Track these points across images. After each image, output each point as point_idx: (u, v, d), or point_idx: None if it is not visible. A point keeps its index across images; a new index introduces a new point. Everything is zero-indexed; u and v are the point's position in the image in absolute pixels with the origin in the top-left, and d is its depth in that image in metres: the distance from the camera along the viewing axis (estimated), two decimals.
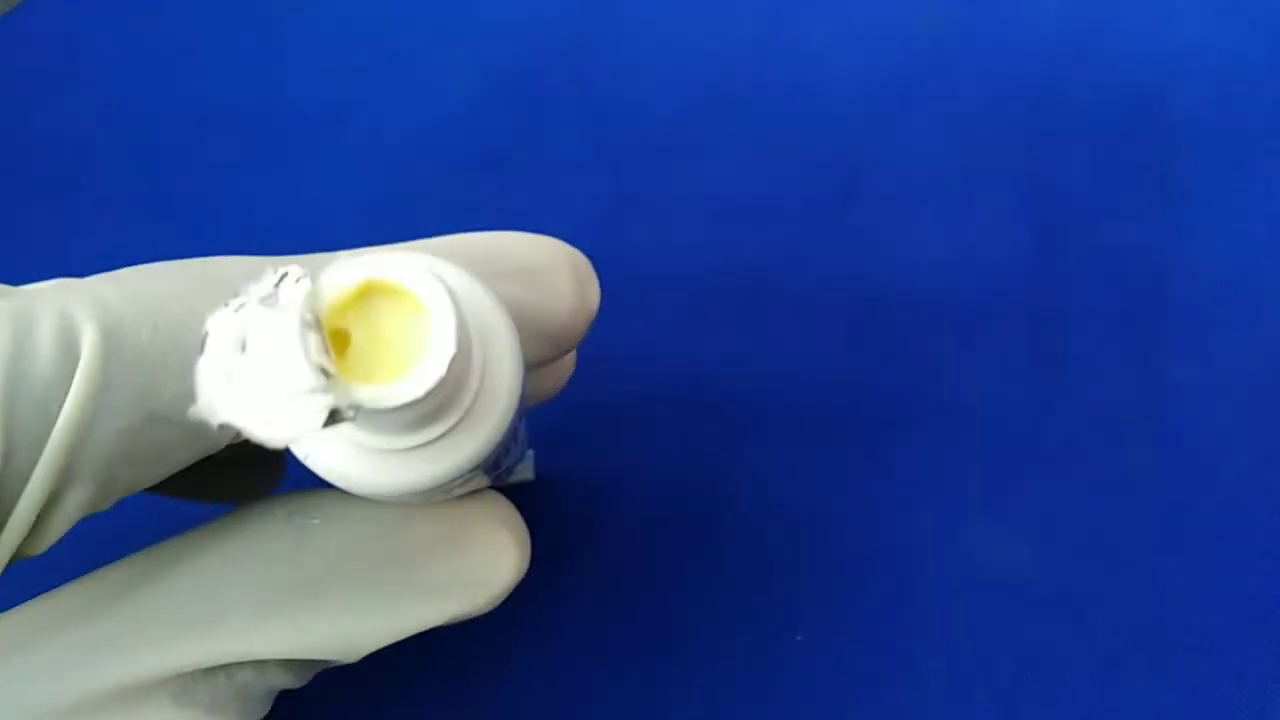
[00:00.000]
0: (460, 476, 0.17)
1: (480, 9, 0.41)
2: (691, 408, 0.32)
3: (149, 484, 0.18)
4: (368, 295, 0.14)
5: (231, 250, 0.36)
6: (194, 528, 0.19)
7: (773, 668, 0.29)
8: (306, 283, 0.12)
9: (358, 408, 0.13)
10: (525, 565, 0.21)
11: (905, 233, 0.36)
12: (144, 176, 0.38)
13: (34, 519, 0.16)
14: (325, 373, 0.12)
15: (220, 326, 0.12)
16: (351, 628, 0.19)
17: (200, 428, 0.17)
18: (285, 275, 0.12)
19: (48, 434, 0.16)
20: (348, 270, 0.13)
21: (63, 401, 0.16)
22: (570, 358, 0.25)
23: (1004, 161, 0.37)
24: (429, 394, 0.13)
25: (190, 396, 0.15)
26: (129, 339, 0.17)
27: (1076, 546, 0.31)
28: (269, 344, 0.12)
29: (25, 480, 0.16)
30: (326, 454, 0.16)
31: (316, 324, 0.12)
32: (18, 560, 0.17)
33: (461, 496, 0.20)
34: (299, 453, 0.16)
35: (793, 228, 0.36)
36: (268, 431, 0.12)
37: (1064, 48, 0.39)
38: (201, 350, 0.13)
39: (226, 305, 0.13)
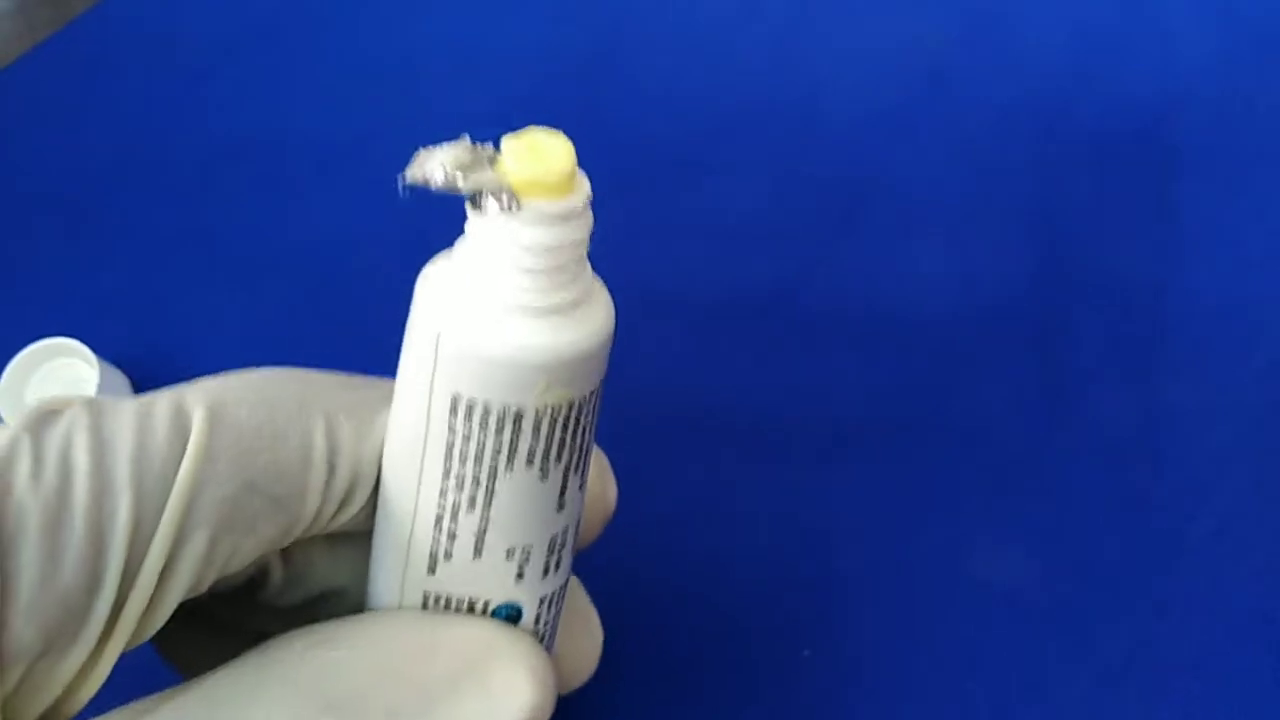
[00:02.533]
0: (596, 350, 0.19)
1: (494, 40, 0.42)
2: (699, 427, 0.33)
3: (242, 560, 0.19)
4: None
5: (251, 276, 0.37)
6: (223, 665, 0.20)
7: (780, 683, 0.30)
8: (488, 145, 0.18)
9: (520, 203, 0.17)
10: (545, 704, 0.21)
11: (909, 256, 0.36)
12: (162, 206, 0.39)
13: (155, 584, 0.18)
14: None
15: (425, 150, 0.18)
16: None
17: (284, 500, 0.19)
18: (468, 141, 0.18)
19: (166, 500, 0.18)
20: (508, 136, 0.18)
21: (175, 475, 0.18)
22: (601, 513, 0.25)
23: (1006, 185, 0.38)
24: (578, 211, 0.18)
25: (279, 468, 0.19)
26: (230, 414, 0.19)
27: (1076, 564, 0.31)
28: (464, 154, 0.18)
29: (150, 539, 0.18)
30: (489, 322, 0.18)
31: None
32: (133, 645, 0.18)
33: (482, 629, 0.21)
34: (481, 221, 0.19)
35: (799, 251, 0.37)
36: (479, 200, 0.18)
37: (1067, 72, 0.40)
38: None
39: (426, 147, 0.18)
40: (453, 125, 0.39)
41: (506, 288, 0.18)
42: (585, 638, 0.25)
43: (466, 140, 0.18)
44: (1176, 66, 0.40)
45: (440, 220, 0.38)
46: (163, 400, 0.19)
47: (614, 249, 0.37)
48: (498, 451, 0.19)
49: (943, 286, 0.36)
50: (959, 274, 0.36)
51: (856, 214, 0.37)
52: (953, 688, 0.30)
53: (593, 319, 0.19)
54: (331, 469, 0.20)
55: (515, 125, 0.39)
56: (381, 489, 0.21)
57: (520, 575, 0.21)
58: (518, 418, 0.19)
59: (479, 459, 0.19)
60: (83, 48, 0.43)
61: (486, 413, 0.19)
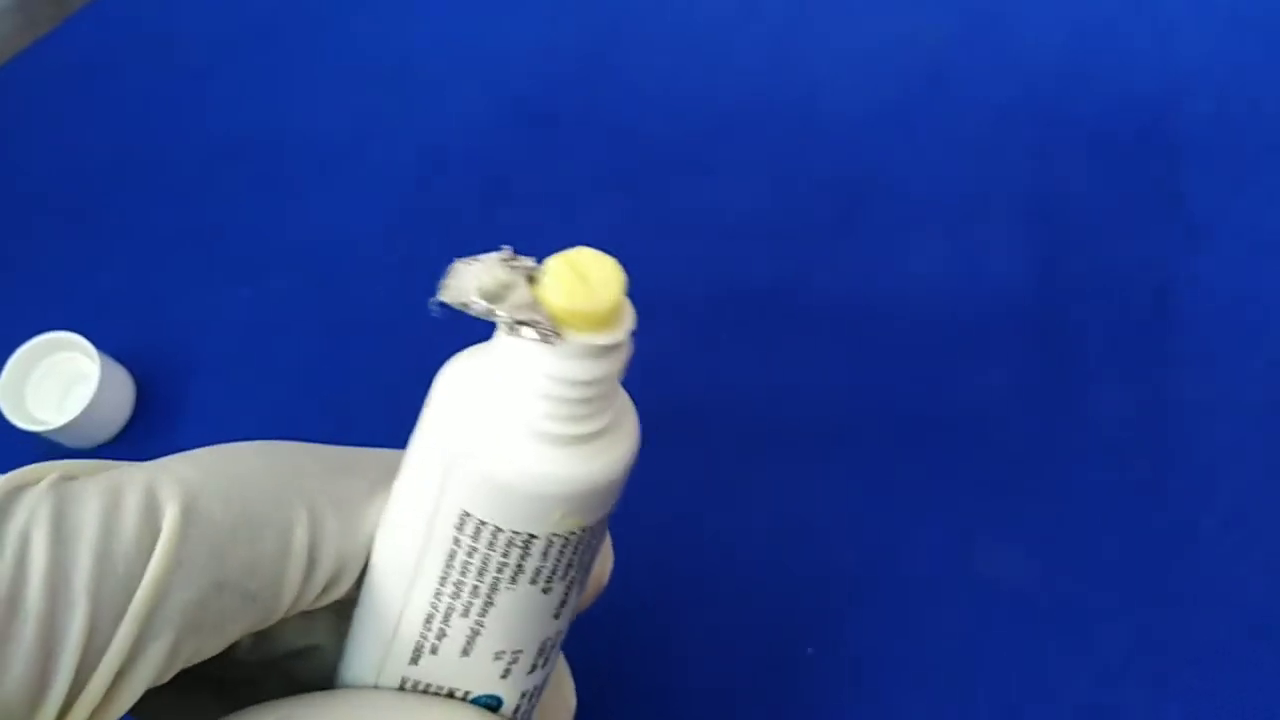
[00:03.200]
0: (618, 479, 0.18)
1: (494, 38, 0.42)
2: (700, 424, 0.33)
3: (209, 654, 0.18)
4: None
5: (251, 272, 0.37)
6: None
7: (784, 680, 0.30)
8: (530, 261, 0.16)
9: (565, 333, 0.16)
10: None
11: (911, 251, 0.36)
12: (163, 203, 0.39)
13: (109, 686, 0.17)
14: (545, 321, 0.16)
15: (462, 267, 0.16)
16: None
17: (258, 595, 0.18)
18: (508, 254, 0.16)
19: (128, 602, 0.17)
20: (553, 256, 0.16)
21: (142, 573, 0.17)
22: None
23: (1008, 179, 0.38)
24: (619, 345, 0.17)
25: (253, 565, 0.18)
26: (203, 512, 0.18)
27: (1079, 560, 0.31)
28: (504, 275, 0.16)
29: (105, 650, 0.17)
30: (509, 447, 0.17)
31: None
32: None
33: (446, 709, 0.20)
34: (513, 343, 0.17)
35: (800, 246, 0.36)
36: (511, 331, 0.16)
37: (1068, 66, 0.40)
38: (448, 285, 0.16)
39: (464, 259, 0.16)
40: (450, 124, 0.39)
41: (532, 414, 0.17)
42: (560, 710, 0.25)
43: (504, 254, 0.17)
44: (1178, 61, 0.40)
45: (438, 223, 0.38)
46: (134, 489, 0.17)
47: (613, 247, 0.37)
48: (502, 569, 0.18)
49: (944, 283, 0.35)
50: (960, 271, 0.36)
51: (856, 212, 0.37)
52: (955, 684, 0.30)
53: (617, 446, 0.18)
54: (312, 563, 0.19)
55: (512, 125, 0.40)
56: (370, 575, 0.20)
57: (506, 674, 0.20)
58: (528, 541, 0.18)
59: (482, 573, 0.19)
60: (83, 46, 0.43)
61: (496, 533, 0.18)
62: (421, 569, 0.19)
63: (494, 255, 0.17)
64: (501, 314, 0.16)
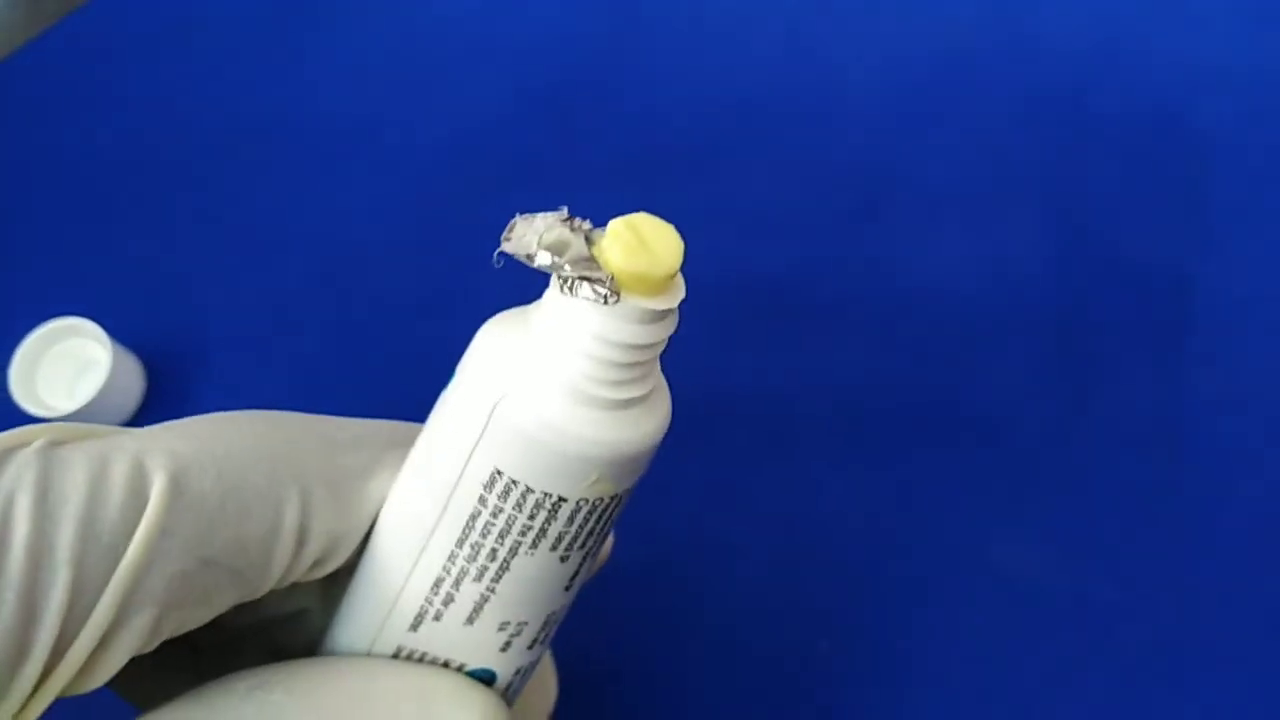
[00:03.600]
0: (651, 448, 0.18)
1: (511, 26, 0.42)
2: (716, 416, 0.32)
3: (193, 627, 0.18)
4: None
5: (264, 259, 0.37)
6: (162, 706, 0.19)
7: (797, 676, 0.30)
8: (588, 223, 0.17)
9: (616, 292, 0.16)
10: None
11: (930, 245, 0.36)
12: (176, 188, 0.39)
13: (89, 656, 0.17)
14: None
15: (522, 220, 0.17)
16: None
17: (244, 572, 0.18)
18: (566, 214, 0.17)
19: (110, 577, 0.16)
20: (615, 219, 0.17)
21: (127, 545, 0.17)
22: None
23: (1029, 173, 0.37)
24: (671, 312, 0.17)
25: (241, 543, 0.18)
26: (193, 486, 0.17)
27: (1099, 556, 0.31)
28: (565, 234, 0.16)
29: (86, 619, 0.16)
30: (552, 406, 0.17)
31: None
32: (65, 696, 0.17)
33: (432, 677, 0.20)
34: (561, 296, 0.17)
35: (818, 240, 0.36)
36: (566, 289, 0.16)
37: (1091, 58, 0.39)
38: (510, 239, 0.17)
39: (524, 215, 0.17)
40: (467, 112, 0.39)
41: (580, 376, 0.17)
42: (539, 696, 0.25)
43: (564, 214, 0.17)
44: (1202, 56, 0.39)
45: (453, 211, 0.37)
46: (122, 459, 0.17)
47: None
48: (525, 532, 0.18)
49: (964, 276, 0.35)
50: (981, 263, 0.35)
51: (877, 203, 0.37)
52: (971, 681, 0.29)
53: (654, 417, 0.18)
54: (302, 542, 0.18)
55: (528, 113, 0.39)
56: (376, 539, 0.20)
57: (506, 647, 0.20)
58: (556, 504, 0.18)
59: (503, 535, 0.18)
60: (97, 30, 0.43)
61: (526, 494, 0.18)
62: (438, 530, 0.19)
63: (554, 214, 0.17)
64: (567, 269, 0.16)
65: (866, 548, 0.31)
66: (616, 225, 0.17)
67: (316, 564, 0.19)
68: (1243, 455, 0.32)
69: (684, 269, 0.34)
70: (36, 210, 0.39)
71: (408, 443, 0.20)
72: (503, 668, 0.21)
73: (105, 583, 0.16)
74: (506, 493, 0.18)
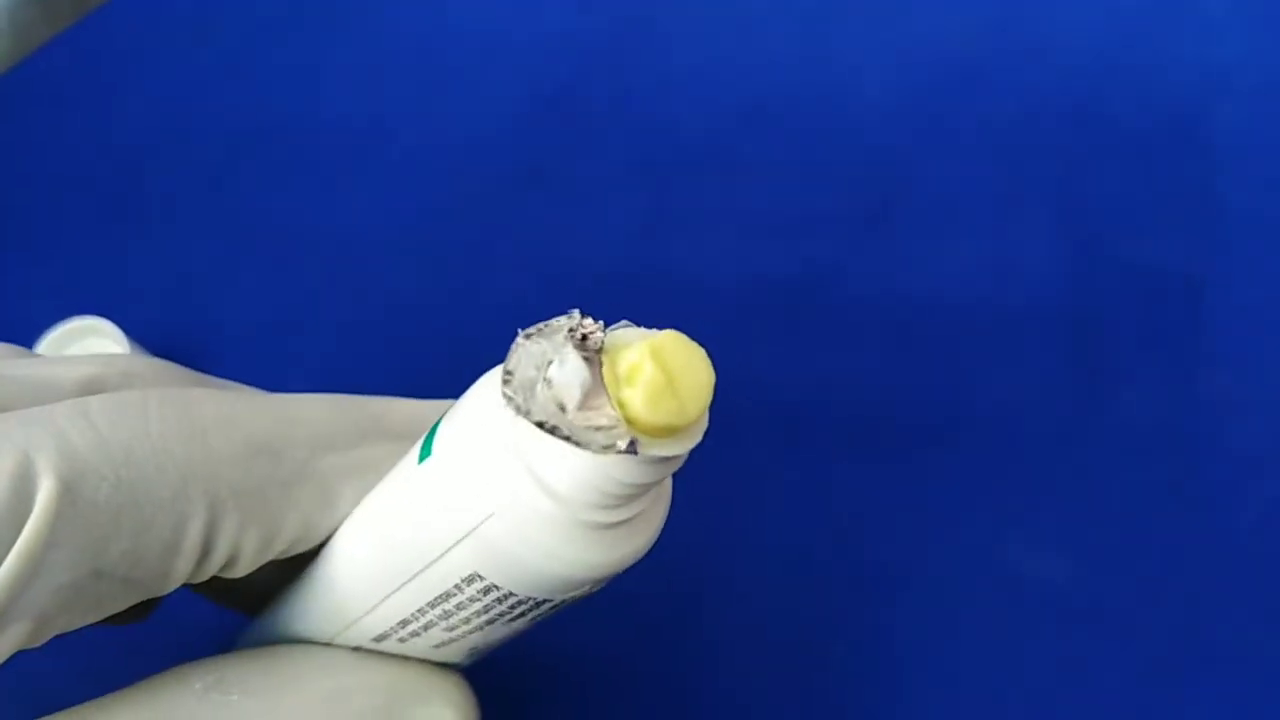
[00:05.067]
0: (631, 562, 0.17)
1: (523, 28, 0.42)
2: (727, 420, 0.32)
3: (85, 624, 0.17)
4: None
5: (281, 259, 0.37)
6: (106, 695, 0.18)
7: (810, 677, 0.30)
8: (601, 335, 0.14)
9: (639, 448, 0.14)
10: None
11: (941, 247, 0.36)
12: (193, 188, 0.39)
13: None
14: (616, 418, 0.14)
15: (524, 347, 0.14)
16: None
17: (141, 581, 0.16)
18: (578, 324, 0.14)
19: None
20: (638, 346, 0.14)
21: (6, 551, 0.15)
22: None
23: (1040, 176, 0.37)
24: (682, 456, 0.15)
25: (137, 556, 0.16)
26: (86, 495, 0.15)
27: (1111, 559, 0.31)
28: (573, 377, 0.14)
29: None
30: (546, 532, 0.15)
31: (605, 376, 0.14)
32: None
33: (399, 668, 0.19)
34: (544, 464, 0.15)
35: (829, 242, 0.36)
36: (574, 446, 0.14)
37: (1102, 63, 0.39)
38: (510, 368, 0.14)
39: (523, 331, 0.14)
40: (480, 114, 0.39)
41: (582, 505, 0.15)
42: None
43: (572, 322, 0.14)
44: (1215, 59, 0.39)
45: (467, 212, 0.38)
46: (7, 454, 0.15)
47: (640, 240, 0.37)
48: (500, 616, 0.17)
49: (975, 280, 0.35)
50: (991, 267, 0.35)
51: (887, 206, 0.37)
52: (984, 683, 0.29)
53: (654, 521, 0.17)
54: (206, 554, 0.17)
55: (541, 115, 0.39)
56: (337, 556, 0.19)
57: (472, 656, 0.20)
58: (539, 603, 0.17)
59: (479, 614, 0.17)
60: (112, 32, 0.43)
61: (507, 595, 0.16)
62: (407, 588, 0.17)
63: (563, 329, 0.14)
64: (575, 431, 0.14)
65: (878, 550, 0.31)
66: (642, 360, 0.14)
67: (226, 568, 0.17)
68: (1256, 458, 0.32)
69: (697, 272, 0.34)
70: (54, 210, 0.39)
71: (377, 431, 0.19)
72: (468, 664, 0.20)
73: None
74: (486, 591, 0.16)
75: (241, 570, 0.18)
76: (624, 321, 0.15)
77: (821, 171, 0.37)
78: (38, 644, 0.16)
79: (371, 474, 0.19)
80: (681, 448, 0.15)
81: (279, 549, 0.18)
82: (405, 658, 0.20)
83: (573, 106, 0.39)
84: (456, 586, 0.17)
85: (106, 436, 0.16)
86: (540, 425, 0.14)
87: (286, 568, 0.20)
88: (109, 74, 0.42)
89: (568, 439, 0.14)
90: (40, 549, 0.15)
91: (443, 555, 0.16)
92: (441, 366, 0.34)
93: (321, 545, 0.19)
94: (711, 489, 0.31)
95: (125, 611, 0.19)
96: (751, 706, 0.29)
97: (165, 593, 0.17)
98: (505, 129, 0.39)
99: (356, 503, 0.19)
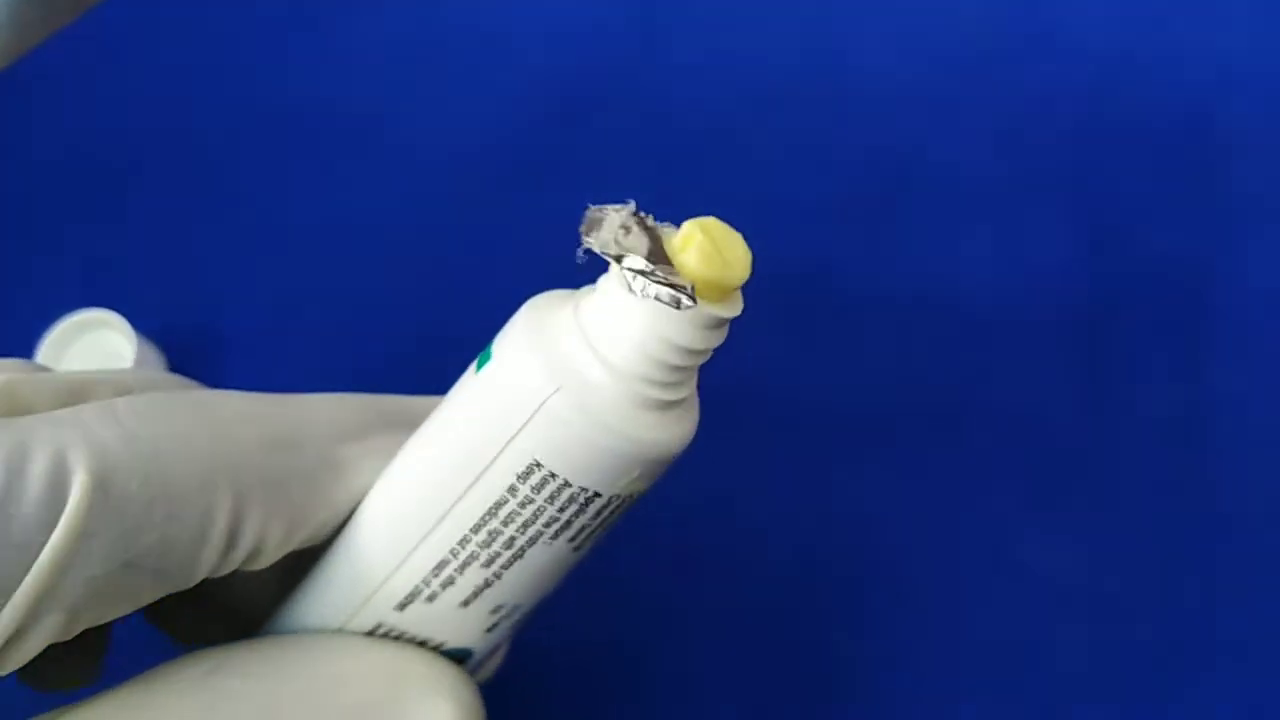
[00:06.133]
0: (686, 447, 0.18)
1: (523, 18, 0.41)
2: (733, 409, 0.32)
3: (113, 618, 0.17)
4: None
5: (292, 250, 0.37)
6: (112, 688, 0.18)
7: (812, 669, 0.30)
8: (653, 221, 0.17)
9: (693, 298, 0.16)
10: None
11: (951, 236, 0.36)
12: (201, 179, 0.39)
13: None
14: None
15: (597, 216, 0.17)
16: None
17: (170, 573, 0.17)
18: (636, 210, 0.17)
19: (22, 576, 0.15)
20: (688, 223, 0.17)
21: (42, 545, 0.15)
22: None
23: (1052, 165, 0.37)
24: (731, 320, 0.17)
25: (166, 546, 0.17)
26: (118, 487, 0.16)
27: (1123, 551, 0.31)
28: (642, 241, 0.16)
29: None
30: (607, 404, 0.17)
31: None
32: None
33: (402, 658, 0.19)
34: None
35: (838, 229, 0.36)
36: (645, 274, 0.16)
37: (1114, 52, 0.39)
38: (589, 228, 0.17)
39: (592, 206, 0.17)
40: (486, 100, 0.39)
41: (637, 377, 0.17)
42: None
43: (633, 208, 0.17)
44: (1227, 50, 0.39)
45: (472, 200, 0.37)
46: (41, 451, 0.16)
47: None
48: (550, 523, 0.18)
49: (983, 270, 0.35)
50: (1000, 257, 0.35)
51: (897, 193, 0.36)
52: (992, 677, 0.29)
53: (692, 416, 0.18)
54: (231, 546, 0.17)
55: (543, 101, 0.39)
56: (364, 518, 0.19)
57: (493, 628, 0.20)
58: (590, 499, 0.18)
59: (526, 525, 0.18)
60: (115, 20, 0.43)
61: (562, 488, 0.17)
62: (452, 513, 0.18)
63: (624, 207, 0.17)
64: (658, 275, 0.16)
65: (888, 542, 0.31)
66: (691, 229, 0.17)
67: (251, 559, 0.18)
68: (1268, 448, 0.32)
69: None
70: (59, 202, 0.39)
71: (392, 423, 0.20)
72: (481, 646, 0.20)
73: (17, 580, 0.15)
74: (542, 485, 0.17)
75: (265, 560, 0.18)
76: (665, 222, 0.17)
77: (827, 161, 0.37)
78: (69, 636, 0.17)
79: (386, 459, 0.19)
80: (731, 311, 0.17)
81: (302, 538, 0.19)
82: (410, 646, 0.20)
83: (575, 92, 0.39)
84: (510, 489, 0.17)
85: (135, 432, 0.17)
86: (620, 260, 0.16)
87: (287, 579, 0.21)
88: (111, 65, 0.42)
89: (647, 274, 0.16)
90: (75, 541, 0.16)
91: (503, 449, 0.17)
92: (443, 357, 0.33)
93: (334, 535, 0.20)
94: (714, 480, 0.31)
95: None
96: (754, 699, 0.29)
97: (190, 584, 0.18)
98: (506, 120, 0.39)
99: (371, 486, 0.19)
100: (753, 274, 0.18)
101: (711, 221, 0.17)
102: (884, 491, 0.32)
